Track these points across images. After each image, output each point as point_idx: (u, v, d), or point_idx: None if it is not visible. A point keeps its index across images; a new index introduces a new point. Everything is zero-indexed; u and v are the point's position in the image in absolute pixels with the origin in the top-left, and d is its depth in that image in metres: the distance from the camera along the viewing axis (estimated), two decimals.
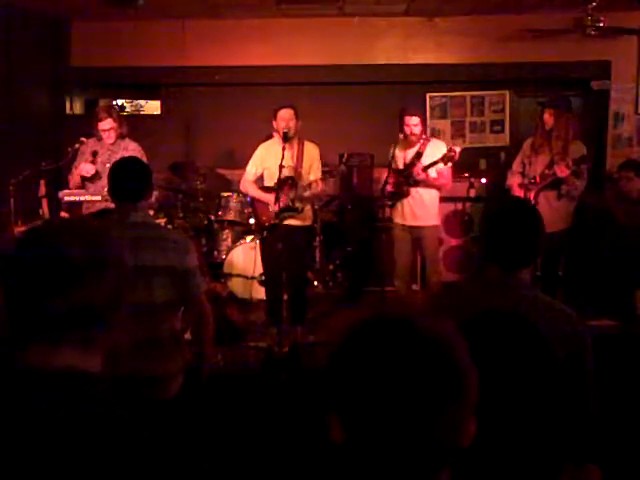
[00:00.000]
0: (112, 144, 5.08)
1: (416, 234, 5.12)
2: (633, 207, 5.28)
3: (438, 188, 5.09)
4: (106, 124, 5.02)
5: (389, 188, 5.14)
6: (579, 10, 5.78)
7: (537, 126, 5.12)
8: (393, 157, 5.17)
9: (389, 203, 5.20)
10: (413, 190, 5.04)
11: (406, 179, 5.05)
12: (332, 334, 1.06)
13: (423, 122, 5.16)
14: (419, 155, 5.03)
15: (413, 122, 4.99)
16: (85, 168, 5.02)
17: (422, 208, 5.07)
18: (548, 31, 6.55)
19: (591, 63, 6.82)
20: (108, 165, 5.04)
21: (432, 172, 5.01)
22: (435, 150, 5.03)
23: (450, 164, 4.98)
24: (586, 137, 5.52)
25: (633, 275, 5.06)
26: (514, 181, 5.15)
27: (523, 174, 5.12)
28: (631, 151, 6.86)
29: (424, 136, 5.14)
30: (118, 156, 5.01)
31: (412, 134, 5.01)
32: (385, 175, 5.15)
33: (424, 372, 0.94)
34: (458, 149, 4.92)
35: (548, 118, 4.95)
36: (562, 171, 4.78)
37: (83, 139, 5.15)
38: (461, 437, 0.99)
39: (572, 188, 4.89)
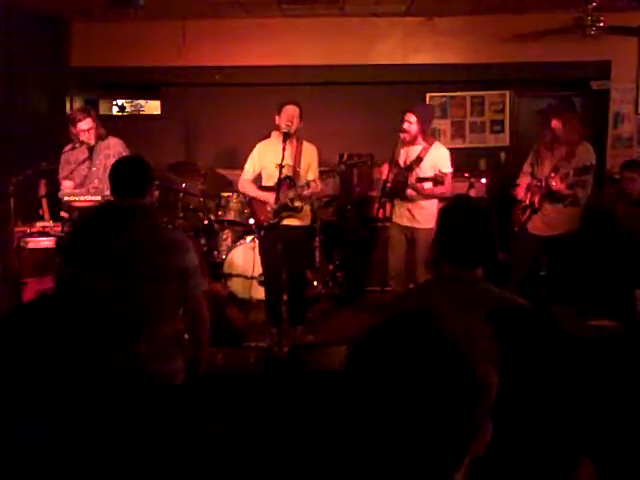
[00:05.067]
0: (93, 146, 5.01)
1: (410, 235, 5.06)
2: (634, 207, 5.28)
3: (435, 198, 4.97)
4: (85, 124, 4.93)
5: (389, 184, 5.07)
6: (579, 10, 5.77)
7: (543, 134, 4.94)
8: (396, 153, 5.09)
9: (389, 200, 5.13)
10: (410, 191, 4.99)
11: (404, 182, 4.97)
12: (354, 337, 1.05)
13: (420, 123, 4.93)
14: (419, 160, 4.95)
15: (408, 118, 4.91)
16: (65, 185, 5.09)
17: (419, 210, 4.98)
18: (548, 31, 6.55)
19: (591, 63, 6.82)
20: (94, 169, 5.02)
21: (428, 183, 4.90)
22: (435, 157, 4.93)
23: (449, 173, 4.93)
24: (587, 137, 5.50)
25: (633, 275, 5.06)
26: (523, 181, 5.04)
27: (533, 174, 5.01)
28: (631, 151, 6.86)
29: (420, 138, 4.98)
30: (101, 157, 4.99)
31: (404, 130, 4.91)
32: (386, 170, 5.00)
33: (434, 375, 0.94)
34: (449, 171, 4.87)
35: (557, 124, 4.77)
36: (556, 184, 4.63)
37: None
38: (474, 442, 0.98)
39: (573, 199, 4.77)
